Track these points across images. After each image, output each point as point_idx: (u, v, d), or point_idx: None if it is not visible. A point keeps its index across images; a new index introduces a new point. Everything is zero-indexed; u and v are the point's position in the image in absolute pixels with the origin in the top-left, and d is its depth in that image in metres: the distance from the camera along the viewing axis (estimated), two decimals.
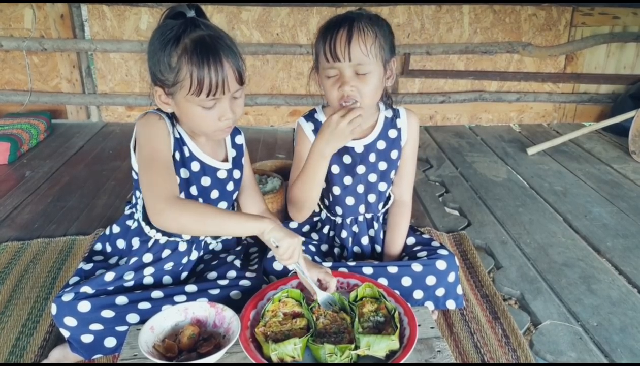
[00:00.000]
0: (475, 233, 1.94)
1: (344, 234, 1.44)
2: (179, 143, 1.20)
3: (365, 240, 1.45)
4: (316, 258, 1.38)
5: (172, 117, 1.19)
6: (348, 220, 1.44)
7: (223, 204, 1.30)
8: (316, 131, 1.36)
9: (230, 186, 1.30)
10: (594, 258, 1.78)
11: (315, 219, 1.50)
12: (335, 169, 1.39)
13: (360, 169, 1.38)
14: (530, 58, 3.19)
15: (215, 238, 1.37)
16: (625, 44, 3.20)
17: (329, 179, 1.39)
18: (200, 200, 1.25)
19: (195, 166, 1.22)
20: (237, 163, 1.32)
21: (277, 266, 1.29)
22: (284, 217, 1.58)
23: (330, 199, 1.44)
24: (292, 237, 1.05)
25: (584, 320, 1.46)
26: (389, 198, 1.48)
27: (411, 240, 1.44)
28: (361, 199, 1.42)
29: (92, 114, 3.17)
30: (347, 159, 1.38)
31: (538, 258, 1.78)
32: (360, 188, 1.40)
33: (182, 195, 1.22)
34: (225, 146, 1.31)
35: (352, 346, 0.97)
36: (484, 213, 2.12)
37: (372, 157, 1.38)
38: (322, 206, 1.47)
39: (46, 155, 2.63)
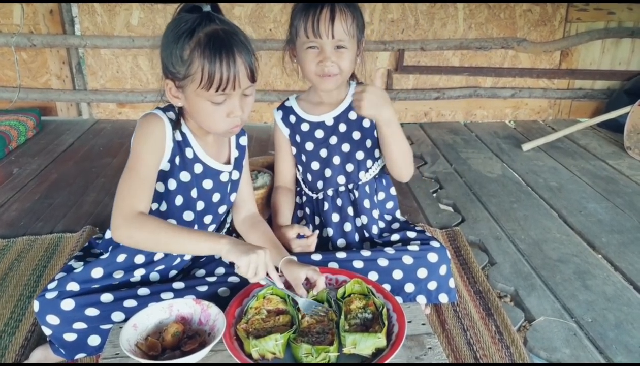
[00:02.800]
0: (469, 229, 1.92)
1: (325, 206, 1.45)
2: (181, 146, 1.17)
3: (350, 210, 1.44)
4: None
5: (177, 120, 1.16)
6: (329, 192, 1.45)
7: (223, 208, 1.29)
8: (285, 118, 1.47)
9: (229, 188, 1.29)
10: (588, 254, 1.76)
11: (299, 213, 1.52)
12: (310, 146, 1.44)
13: (333, 140, 1.42)
14: (525, 54, 3.17)
15: None
16: (620, 39, 3.18)
17: (306, 157, 1.44)
18: (202, 203, 1.23)
19: (197, 168, 1.20)
20: (238, 165, 1.30)
21: None
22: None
23: (310, 179, 1.46)
24: (249, 253, 1.01)
25: (578, 316, 1.44)
26: (370, 167, 1.46)
27: (404, 233, 1.41)
28: (339, 170, 1.44)
29: (82, 111, 3.12)
30: (319, 133, 1.43)
31: (532, 254, 1.76)
32: (337, 160, 1.43)
33: (181, 199, 1.19)
34: (229, 146, 1.29)
35: (330, 348, 0.94)
36: (478, 209, 2.09)
37: (343, 127, 1.42)
38: (303, 185, 1.49)
39: (35, 152, 2.58)
